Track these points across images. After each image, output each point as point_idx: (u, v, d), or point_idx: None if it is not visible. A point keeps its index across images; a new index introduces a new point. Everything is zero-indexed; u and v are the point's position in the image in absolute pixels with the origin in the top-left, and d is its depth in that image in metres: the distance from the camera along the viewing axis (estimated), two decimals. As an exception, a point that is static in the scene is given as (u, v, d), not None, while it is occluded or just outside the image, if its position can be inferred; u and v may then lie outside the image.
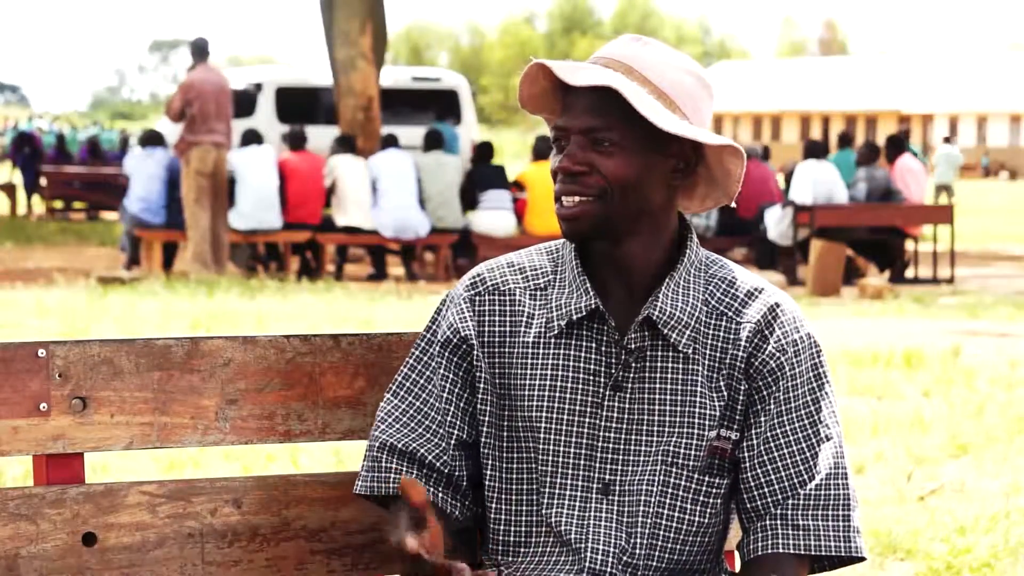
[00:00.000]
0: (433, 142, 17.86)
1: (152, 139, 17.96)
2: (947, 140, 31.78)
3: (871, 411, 8.49)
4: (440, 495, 2.61)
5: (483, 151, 18.48)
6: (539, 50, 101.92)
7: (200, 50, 16.28)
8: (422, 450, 2.60)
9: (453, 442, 2.62)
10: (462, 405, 2.63)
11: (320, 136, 20.24)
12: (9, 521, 2.57)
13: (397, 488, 2.59)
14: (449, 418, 2.62)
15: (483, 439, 2.62)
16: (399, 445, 2.61)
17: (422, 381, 2.64)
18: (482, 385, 2.62)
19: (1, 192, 29.47)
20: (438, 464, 2.61)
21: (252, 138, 17.17)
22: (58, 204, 28.29)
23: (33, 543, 2.58)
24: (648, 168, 2.55)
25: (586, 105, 2.53)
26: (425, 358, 2.65)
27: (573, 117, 2.55)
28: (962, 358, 10.48)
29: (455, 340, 2.62)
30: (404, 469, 2.60)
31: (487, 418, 2.62)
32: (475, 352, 2.62)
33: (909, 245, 18.49)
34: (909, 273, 18.44)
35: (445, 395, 2.62)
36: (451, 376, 2.63)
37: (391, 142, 17.50)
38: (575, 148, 2.54)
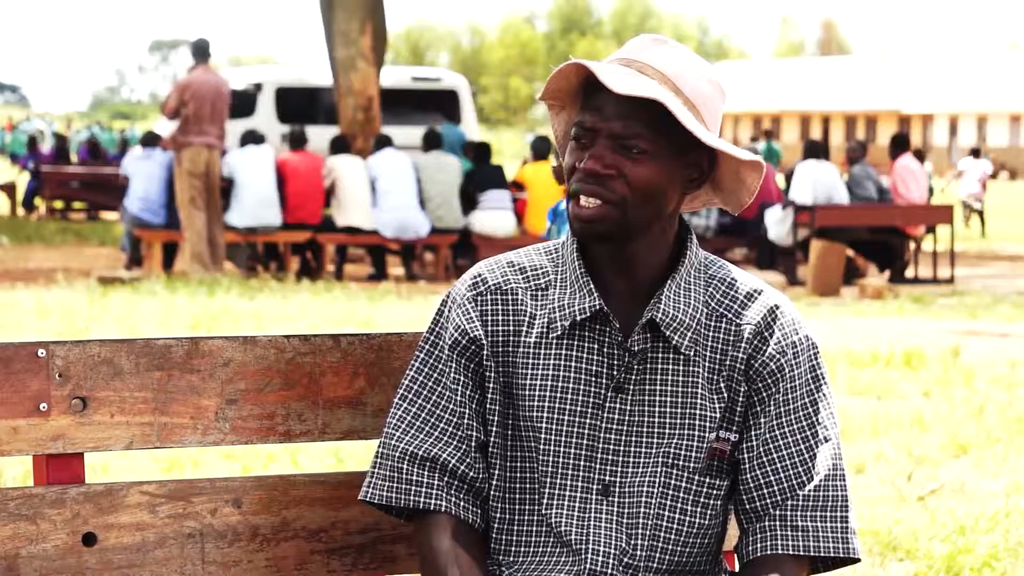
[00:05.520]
0: (433, 142, 17.87)
1: (152, 139, 17.98)
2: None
3: (871, 411, 8.49)
4: (462, 504, 2.59)
5: (482, 151, 18.49)
6: (539, 50, 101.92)
7: (201, 51, 16.28)
8: (444, 455, 2.58)
9: (473, 444, 2.60)
10: (475, 407, 2.61)
11: (320, 136, 20.25)
12: (9, 521, 2.57)
13: (427, 503, 2.58)
14: (466, 420, 2.60)
15: (491, 439, 2.62)
16: (420, 452, 2.58)
17: (431, 384, 2.62)
18: (491, 385, 2.61)
19: (1, 192, 29.47)
20: (462, 467, 2.58)
21: (251, 138, 17.18)
22: (58, 204, 28.28)
23: (33, 543, 2.58)
24: (670, 176, 2.56)
25: (620, 110, 2.52)
26: (432, 361, 2.63)
27: (604, 119, 2.53)
28: (962, 358, 10.49)
29: (464, 341, 2.61)
30: (424, 480, 2.57)
31: (495, 418, 2.61)
32: (484, 352, 2.61)
33: (910, 245, 18.49)
34: (909, 273, 18.44)
35: (459, 397, 2.60)
36: (462, 379, 2.61)
37: (386, 142, 17.49)
38: (604, 150, 2.53)
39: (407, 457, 2.59)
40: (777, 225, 17.67)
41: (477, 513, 2.61)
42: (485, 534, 2.65)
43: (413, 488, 2.58)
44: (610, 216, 2.53)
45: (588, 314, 2.57)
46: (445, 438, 2.59)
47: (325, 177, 17.14)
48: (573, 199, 2.56)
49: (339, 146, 17.50)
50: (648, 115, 2.52)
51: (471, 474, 2.59)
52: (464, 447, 2.59)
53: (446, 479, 2.58)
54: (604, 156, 2.53)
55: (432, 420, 2.60)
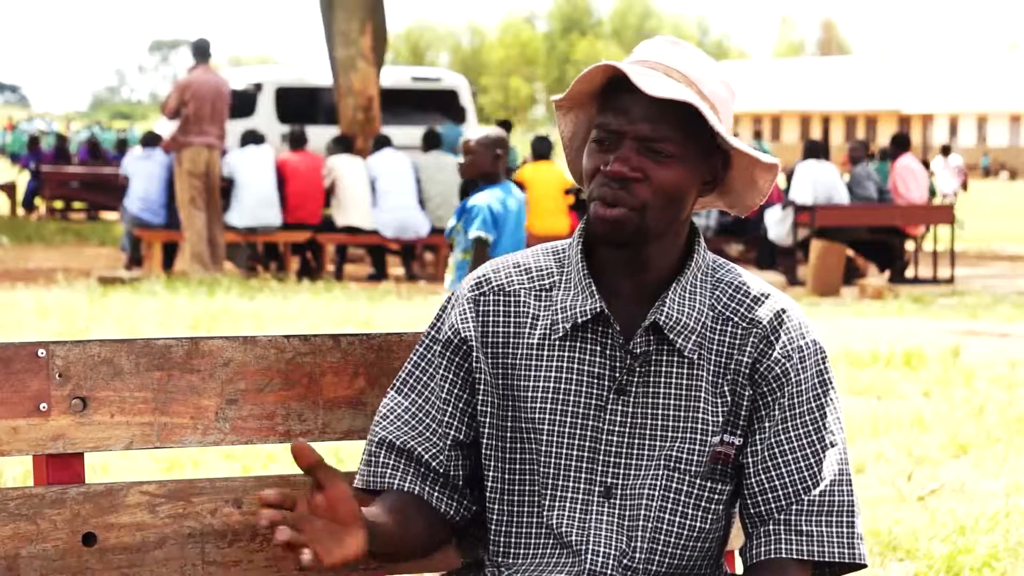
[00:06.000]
0: (433, 142, 17.87)
1: (152, 140, 17.99)
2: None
3: (871, 411, 8.49)
4: (436, 494, 2.61)
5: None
6: (539, 50, 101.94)
7: (201, 51, 16.28)
8: (419, 448, 2.61)
9: (449, 442, 2.61)
10: (460, 406, 2.62)
11: (320, 136, 20.25)
12: (9, 521, 2.57)
13: (401, 485, 2.60)
14: (447, 418, 2.61)
15: (484, 441, 2.61)
16: (397, 442, 2.61)
17: (424, 379, 2.63)
18: (482, 387, 2.61)
19: (1, 192, 29.47)
20: (434, 463, 2.61)
21: (251, 138, 17.18)
22: (58, 204, 28.29)
23: (33, 543, 2.58)
24: (691, 179, 2.56)
25: (648, 112, 2.51)
26: (428, 356, 2.64)
27: (631, 121, 2.52)
28: (962, 358, 10.48)
29: (456, 341, 2.62)
30: (400, 465, 2.61)
31: (488, 419, 2.61)
32: (475, 354, 2.61)
33: (909, 245, 18.49)
34: (909, 273, 18.44)
35: (444, 395, 2.62)
36: (450, 376, 2.62)
37: (385, 142, 17.50)
38: (630, 153, 2.52)
39: (384, 444, 2.62)
40: (777, 225, 17.67)
41: (451, 505, 2.62)
42: (478, 532, 2.65)
43: (388, 472, 2.61)
44: (634, 219, 2.52)
45: (589, 316, 2.57)
46: (427, 434, 2.61)
47: (325, 177, 17.14)
48: (595, 201, 2.55)
49: (339, 146, 17.50)
50: (674, 118, 2.51)
51: (443, 470, 2.61)
52: (440, 444, 2.61)
53: (420, 469, 2.61)
54: (631, 159, 2.52)
55: (419, 414, 2.62)
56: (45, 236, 22.92)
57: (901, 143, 19.09)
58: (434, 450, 2.61)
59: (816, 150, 18.20)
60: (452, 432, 2.61)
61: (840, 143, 58.34)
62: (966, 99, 71.92)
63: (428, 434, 2.61)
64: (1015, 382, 9.60)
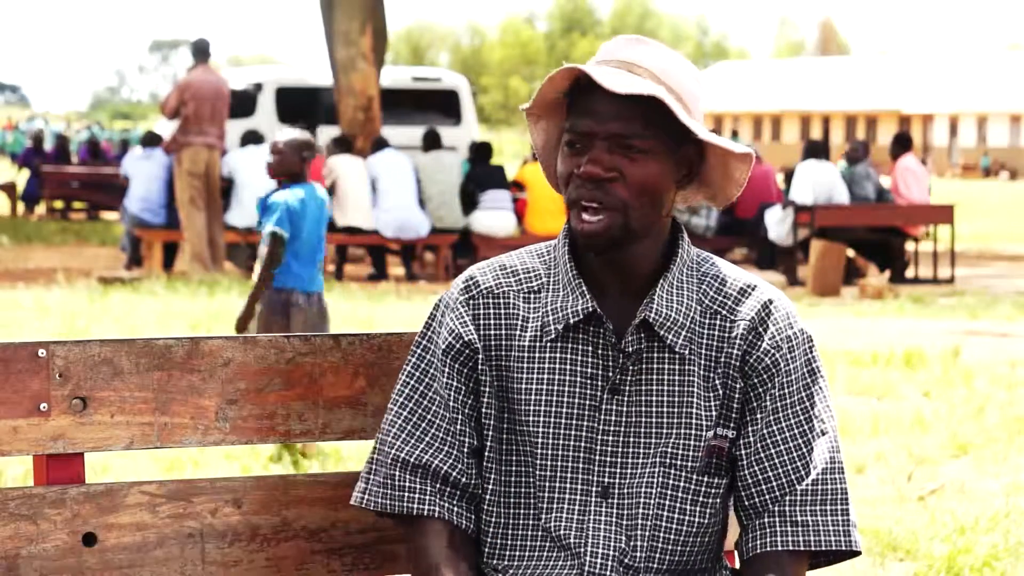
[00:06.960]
0: (433, 142, 17.87)
1: (152, 140, 17.99)
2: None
3: (871, 411, 8.49)
4: (456, 510, 2.58)
5: (482, 151, 18.49)
6: (539, 50, 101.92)
7: (201, 51, 16.28)
8: (435, 461, 2.57)
9: (466, 450, 2.59)
10: (467, 411, 2.60)
11: (320, 136, 20.24)
12: (9, 521, 2.57)
13: (420, 508, 2.57)
14: (459, 426, 2.59)
15: (487, 444, 2.61)
16: (411, 459, 2.57)
17: (422, 388, 2.61)
18: (486, 389, 2.60)
19: (1, 192, 29.45)
20: (454, 474, 2.57)
21: (251, 138, 17.19)
22: (58, 204, 28.28)
23: (33, 543, 2.58)
24: (666, 174, 2.56)
25: (616, 111, 2.51)
26: (423, 365, 2.62)
27: (600, 121, 2.52)
28: (962, 358, 10.48)
29: (458, 345, 2.60)
30: (417, 486, 2.57)
31: (491, 422, 2.60)
32: (479, 356, 2.60)
33: (909, 245, 18.48)
34: (909, 273, 18.43)
35: (451, 403, 2.59)
36: (455, 383, 2.60)
37: (384, 144, 17.49)
38: (602, 153, 2.52)
39: (399, 464, 2.58)
40: (777, 225, 17.67)
41: (471, 519, 2.60)
42: (477, 538, 2.64)
43: (406, 495, 2.57)
44: (615, 224, 2.52)
45: (581, 316, 2.56)
46: (436, 444, 2.58)
47: (325, 177, 17.14)
48: (574, 208, 2.55)
49: (339, 146, 17.50)
50: (643, 113, 2.52)
51: (463, 480, 2.59)
52: (456, 453, 2.58)
53: (438, 486, 2.58)
54: (603, 159, 2.52)
55: (423, 426, 2.59)
56: (45, 236, 22.90)
57: (903, 143, 19.06)
58: (450, 460, 2.57)
59: (816, 150, 18.18)
60: (467, 440, 2.59)
61: (840, 143, 58.34)
62: (966, 99, 71.90)
63: (438, 444, 2.58)
64: (1015, 382, 9.60)
